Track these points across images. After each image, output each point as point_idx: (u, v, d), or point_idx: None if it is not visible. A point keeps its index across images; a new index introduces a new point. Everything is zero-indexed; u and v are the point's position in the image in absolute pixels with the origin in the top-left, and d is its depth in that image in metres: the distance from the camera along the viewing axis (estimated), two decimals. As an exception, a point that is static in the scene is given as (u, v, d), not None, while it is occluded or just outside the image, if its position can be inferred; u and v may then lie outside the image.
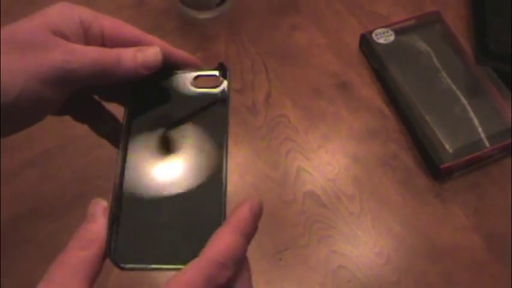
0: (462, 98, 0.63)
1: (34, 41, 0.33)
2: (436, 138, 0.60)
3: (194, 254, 0.31)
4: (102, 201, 0.34)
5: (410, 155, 0.62)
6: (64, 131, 0.62)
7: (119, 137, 0.36)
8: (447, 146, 0.59)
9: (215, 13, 0.71)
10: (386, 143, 0.63)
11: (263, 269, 0.54)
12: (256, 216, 0.33)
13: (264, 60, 0.68)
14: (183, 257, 0.31)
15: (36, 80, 0.33)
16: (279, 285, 0.54)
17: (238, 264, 0.31)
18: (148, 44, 0.37)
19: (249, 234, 0.32)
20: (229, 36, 0.70)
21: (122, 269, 0.32)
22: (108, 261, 0.32)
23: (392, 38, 0.67)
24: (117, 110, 0.41)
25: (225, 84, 0.38)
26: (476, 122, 0.61)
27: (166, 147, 0.36)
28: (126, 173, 0.35)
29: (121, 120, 0.37)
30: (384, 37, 0.67)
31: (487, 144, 0.60)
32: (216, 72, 0.39)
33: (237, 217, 0.32)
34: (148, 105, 0.38)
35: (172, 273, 0.30)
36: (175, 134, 0.36)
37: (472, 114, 0.62)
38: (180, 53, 0.39)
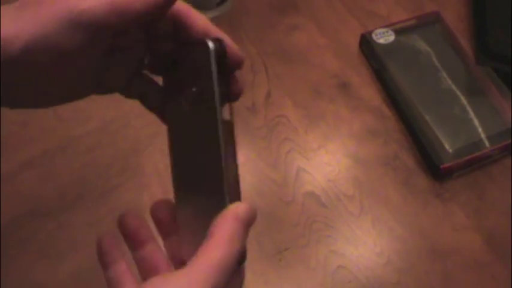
0: (462, 98, 0.63)
1: None
2: (436, 138, 0.60)
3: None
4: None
5: (410, 155, 0.62)
6: (64, 131, 0.62)
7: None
8: (447, 146, 0.59)
9: (215, 13, 0.71)
10: (387, 143, 0.63)
11: (263, 269, 0.54)
12: (245, 222, 0.32)
13: (264, 60, 0.68)
14: None
15: (45, 28, 0.29)
16: (279, 285, 0.54)
17: (228, 277, 0.31)
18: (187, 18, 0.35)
19: (240, 244, 0.32)
20: (229, 36, 0.70)
21: None
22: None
23: (392, 38, 0.67)
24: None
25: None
26: (476, 122, 0.61)
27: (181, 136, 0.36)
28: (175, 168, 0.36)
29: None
30: (384, 37, 0.67)
31: (487, 144, 0.60)
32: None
33: (226, 230, 0.32)
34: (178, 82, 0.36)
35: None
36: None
37: (472, 114, 0.62)
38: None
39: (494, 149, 0.60)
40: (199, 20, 0.35)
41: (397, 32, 0.68)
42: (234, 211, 0.32)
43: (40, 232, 0.57)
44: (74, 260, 0.55)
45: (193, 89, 0.35)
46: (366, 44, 0.68)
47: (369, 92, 0.66)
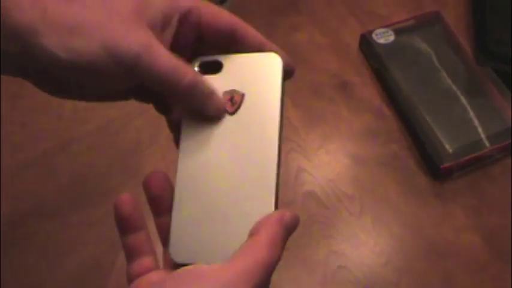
0: (462, 98, 0.63)
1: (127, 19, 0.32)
2: (436, 138, 0.60)
3: None
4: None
5: (410, 155, 0.62)
6: (64, 131, 0.62)
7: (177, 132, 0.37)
8: (447, 146, 0.59)
9: (215, 13, 0.71)
10: (387, 143, 0.63)
11: (263, 269, 0.54)
12: (288, 229, 0.32)
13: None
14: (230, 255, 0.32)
15: (110, 56, 0.31)
16: (279, 285, 0.54)
17: (268, 280, 0.31)
18: (243, 33, 0.37)
19: (280, 248, 0.31)
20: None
21: (177, 263, 0.33)
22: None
23: (392, 38, 0.67)
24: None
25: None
26: (476, 122, 0.61)
27: (218, 142, 0.36)
28: (180, 172, 0.35)
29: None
30: (384, 37, 0.67)
31: (487, 144, 0.60)
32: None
33: (269, 232, 0.31)
34: None
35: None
36: (224, 128, 0.36)
37: (472, 114, 0.62)
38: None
39: (494, 149, 0.60)
40: (254, 34, 0.37)
41: (397, 32, 0.68)
42: (281, 215, 0.32)
43: (40, 232, 0.57)
44: (74, 260, 0.55)
45: (244, 94, 0.36)
46: (366, 44, 0.68)
47: (369, 92, 0.66)
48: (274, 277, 0.31)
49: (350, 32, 0.70)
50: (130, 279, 0.35)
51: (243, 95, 0.36)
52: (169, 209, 0.35)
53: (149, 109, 0.39)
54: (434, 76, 0.64)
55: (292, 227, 0.33)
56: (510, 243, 0.56)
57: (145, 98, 0.38)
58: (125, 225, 0.35)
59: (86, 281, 0.55)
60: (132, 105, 0.38)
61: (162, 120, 0.39)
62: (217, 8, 0.36)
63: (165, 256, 0.36)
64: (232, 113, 0.36)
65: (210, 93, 0.35)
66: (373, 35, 0.67)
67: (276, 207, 0.33)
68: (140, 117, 0.63)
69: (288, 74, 0.37)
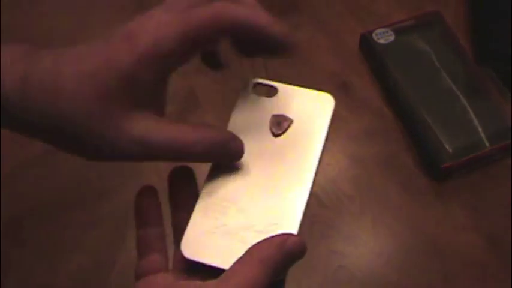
0: (462, 98, 0.63)
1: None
2: (436, 138, 0.60)
3: None
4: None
5: (410, 155, 0.62)
6: (64, 131, 0.62)
7: None
8: (447, 146, 0.59)
9: (215, 13, 0.71)
10: (387, 143, 0.63)
11: (263, 269, 0.54)
12: (289, 255, 0.31)
13: (264, 60, 0.68)
14: None
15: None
16: (279, 285, 0.54)
17: None
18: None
19: (274, 272, 0.31)
20: (229, 36, 0.70)
21: (187, 258, 0.33)
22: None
23: (392, 38, 0.67)
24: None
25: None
26: (476, 122, 0.61)
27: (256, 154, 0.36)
28: (211, 173, 0.36)
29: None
30: (384, 37, 0.67)
31: (487, 144, 0.60)
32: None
33: (263, 252, 0.31)
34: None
35: None
36: (264, 140, 0.37)
37: (472, 114, 0.62)
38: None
39: (494, 149, 0.60)
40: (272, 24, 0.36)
41: (397, 32, 0.68)
42: (282, 239, 0.32)
43: (40, 232, 0.57)
44: (74, 260, 0.55)
45: (292, 121, 0.38)
46: (366, 44, 0.68)
47: (369, 92, 0.66)
48: (274, 277, 0.31)
49: (350, 32, 0.70)
50: (138, 275, 0.34)
51: (291, 121, 0.37)
52: (187, 207, 0.35)
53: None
54: (434, 76, 0.64)
55: (296, 254, 0.32)
56: (510, 243, 0.56)
57: None
58: (142, 216, 0.35)
59: (86, 281, 0.55)
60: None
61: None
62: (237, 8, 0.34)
63: (175, 256, 0.35)
64: (277, 136, 0.37)
65: (231, 140, 0.35)
66: (373, 35, 0.67)
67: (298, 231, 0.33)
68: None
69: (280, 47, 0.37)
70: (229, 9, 0.33)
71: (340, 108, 0.65)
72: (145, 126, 0.31)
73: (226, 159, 0.35)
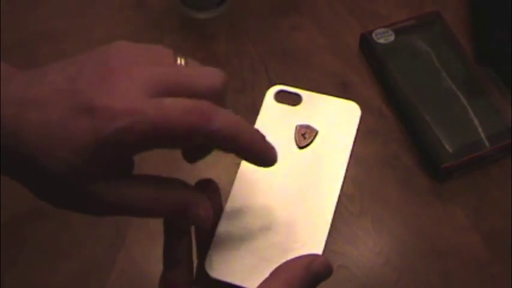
0: (462, 98, 0.63)
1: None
2: (436, 138, 0.60)
3: None
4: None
5: (410, 155, 0.62)
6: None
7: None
8: (447, 146, 0.59)
9: (215, 13, 0.71)
10: (387, 143, 0.63)
11: (263, 269, 0.54)
12: (314, 276, 0.31)
13: (264, 60, 0.68)
14: None
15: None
16: (279, 285, 0.54)
17: None
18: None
19: None
20: (229, 36, 0.70)
21: (210, 277, 0.33)
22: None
23: (392, 38, 0.67)
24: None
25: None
26: (476, 122, 0.61)
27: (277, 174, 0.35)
28: (235, 189, 0.35)
29: None
30: (384, 37, 0.67)
31: (487, 144, 0.60)
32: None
33: (290, 273, 0.30)
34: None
35: None
36: (288, 160, 0.36)
37: (472, 114, 0.62)
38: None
39: (494, 149, 0.60)
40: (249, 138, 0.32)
41: (397, 32, 0.68)
42: (309, 261, 0.31)
43: (40, 232, 0.57)
44: (74, 260, 0.55)
45: (318, 131, 0.36)
46: (366, 44, 0.68)
47: (369, 92, 0.66)
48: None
49: (350, 32, 0.70)
50: (162, 286, 0.34)
51: (316, 132, 0.36)
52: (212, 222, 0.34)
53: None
54: (434, 76, 0.64)
55: (322, 275, 0.31)
56: (510, 243, 0.56)
57: None
58: (170, 228, 0.35)
59: (86, 281, 0.55)
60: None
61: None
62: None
63: (198, 271, 0.35)
64: (302, 148, 0.36)
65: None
66: (373, 35, 0.67)
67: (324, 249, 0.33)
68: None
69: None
70: (218, 122, 0.29)
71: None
72: (104, 190, 0.30)
73: (189, 224, 0.33)
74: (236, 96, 0.65)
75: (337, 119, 0.37)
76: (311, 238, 0.33)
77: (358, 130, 0.37)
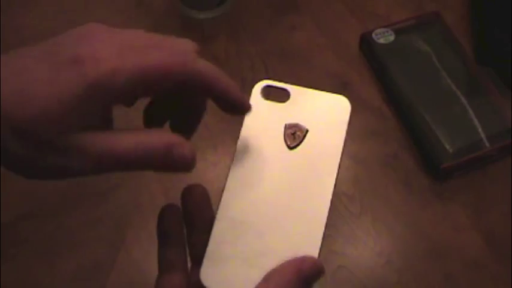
0: (462, 98, 0.63)
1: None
2: (436, 138, 0.60)
3: None
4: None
5: (410, 155, 0.62)
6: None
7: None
8: (447, 146, 0.59)
9: (215, 13, 0.71)
10: (387, 143, 0.63)
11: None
12: (304, 279, 0.31)
13: (264, 60, 0.68)
14: None
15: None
16: (279, 285, 0.54)
17: None
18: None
19: None
20: (229, 36, 0.70)
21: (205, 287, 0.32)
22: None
23: (392, 38, 0.67)
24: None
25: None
26: (476, 122, 0.61)
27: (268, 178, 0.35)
28: (226, 196, 0.34)
29: None
30: (384, 37, 0.67)
31: (487, 144, 0.60)
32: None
33: (281, 277, 0.31)
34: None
35: None
36: (276, 162, 0.35)
37: (472, 114, 0.62)
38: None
39: (494, 149, 0.60)
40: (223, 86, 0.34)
41: (397, 32, 0.68)
42: (299, 263, 0.31)
43: (40, 232, 0.57)
44: (74, 260, 0.55)
45: (308, 130, 0.35)
46: (366, 44, 0.68)
47: (369, 92, 0.66)
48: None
49: (350, 32, 0.70)
50: None
51: (306, 131, 0.35)
52: (203, 227, 0.34)
53: (149, 109, 0.38)
54: (434, 76, 0.64)
55: (312, 276, 0.31)
56: (510, 243, 0.56)
57: None
58: (164, 235, 0.35)
59: (85, 281, 0.55)
60: (132, 105, 0.38)
61: (162, 120, 0.38)
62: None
63: (191, 273, 0.35)
64: (292, 148, 0.35)
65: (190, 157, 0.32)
66: (373, 35, 0.67)
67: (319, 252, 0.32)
68: (140, 116, 0.63)
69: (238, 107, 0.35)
70: (199, 64, 0.32)
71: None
72: (86, 140, 0.31)
73: (171, 169, 0.32)
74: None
75: (327, 115, 0.36)
76: (306, 242, 0.33)
77: (349, 125, 0.36)
